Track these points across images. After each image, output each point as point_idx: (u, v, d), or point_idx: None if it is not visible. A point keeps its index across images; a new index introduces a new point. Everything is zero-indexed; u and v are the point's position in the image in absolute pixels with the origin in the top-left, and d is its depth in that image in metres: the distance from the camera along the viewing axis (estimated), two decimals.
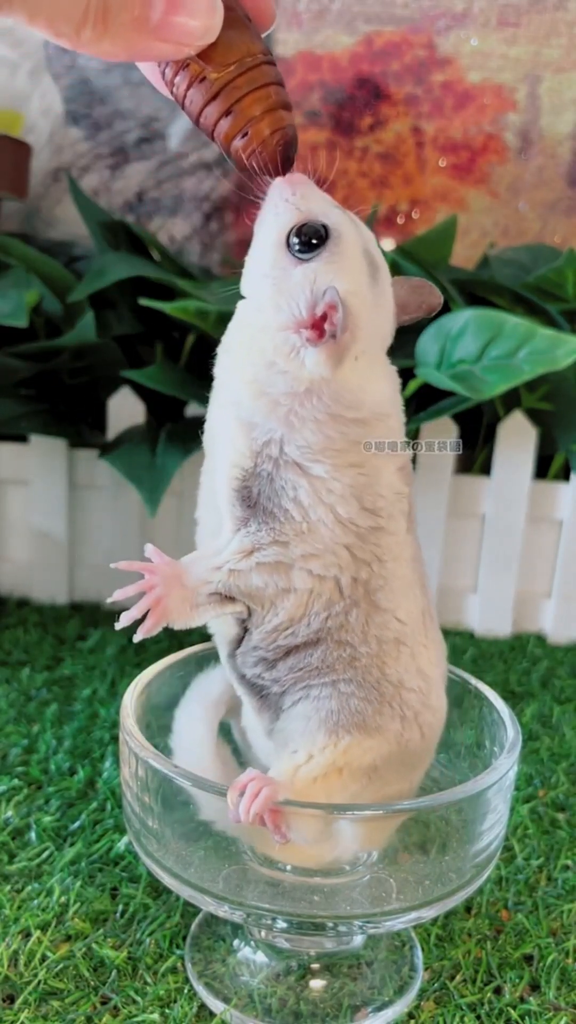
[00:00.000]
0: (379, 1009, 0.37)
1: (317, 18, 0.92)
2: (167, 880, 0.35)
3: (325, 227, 0.31)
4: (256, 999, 0.37)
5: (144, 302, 0.71)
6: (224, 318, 0.73)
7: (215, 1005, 0.37)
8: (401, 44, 0.92)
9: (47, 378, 0.80)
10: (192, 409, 0.78)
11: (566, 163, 0.93)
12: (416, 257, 0.78)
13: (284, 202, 0.31)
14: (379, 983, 0.39)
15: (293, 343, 0.31)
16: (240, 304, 0.34)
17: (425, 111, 0.93)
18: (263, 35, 0.30)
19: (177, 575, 0.33)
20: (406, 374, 0.76)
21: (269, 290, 0.32)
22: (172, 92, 0.30)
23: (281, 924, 0.33)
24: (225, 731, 0.41)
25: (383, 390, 0.34)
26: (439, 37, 0.91)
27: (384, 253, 0.84)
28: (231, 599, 0.33)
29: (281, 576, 0.33)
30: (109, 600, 0.32)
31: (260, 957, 0.39)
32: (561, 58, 0.90)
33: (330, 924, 0.33)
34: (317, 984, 0.38)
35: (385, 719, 0.33)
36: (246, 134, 0.29)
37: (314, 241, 0.31)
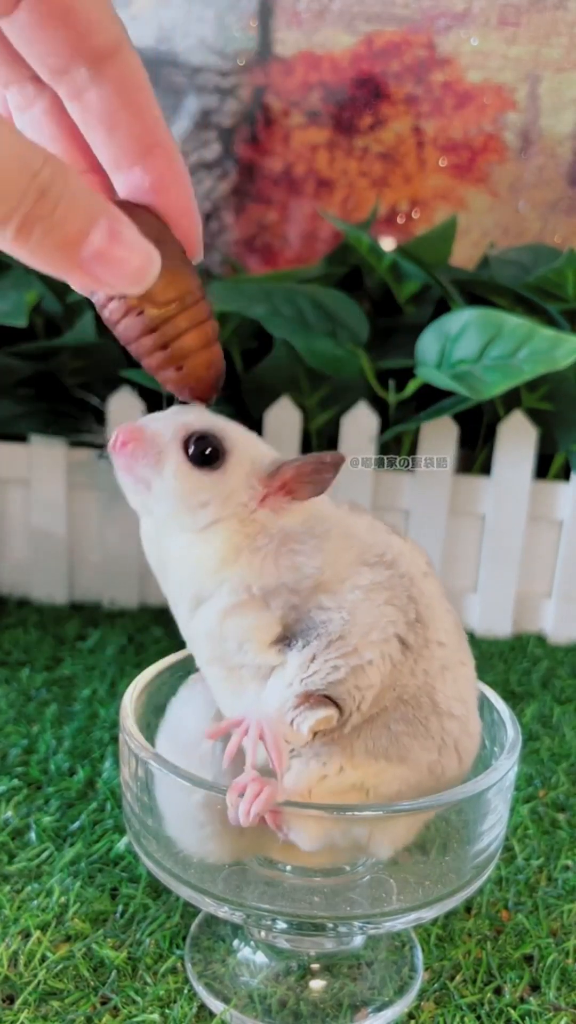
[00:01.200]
0: (379, 1009, 0.37)
1: (317, 18, 0.92)
2: (167, 881, 0.35)
3: (215, 438, 0.32)
4: (256, 999, 0.37)
5: None
6: (223, 318, 0.74)
7: (215, 1005, 0.37)
8: (401, 44, 0.91)
9: (47, 378, 0.80)
10: None
11: (566, 163, 0.93)
12: (416, 257, 0.78)
13: (153, 456, 0.32)
14: (379, 983, 0.39)
15: (259, 517, 0.32)
16: (177, 539, 0.33)
17: (425, 111, 0.93)
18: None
19: (266, 713, 0.32)
20: (406, 374, 0.77)
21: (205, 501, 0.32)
22: (99, 310, 0.29)
23: (281, 925, 0.33)
24: None
25: None
26: (439, 37, 0.91)
27: (384, 253, 0.84)
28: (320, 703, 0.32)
29: (350, 655, 0.32)
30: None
31: (260, 957, 0.39)
32: (561, 58, 0.90)
33: (330, 925, 0.33)
34: (317, 984, 0.38)
35: (424, 752, 0.33)
36: (180, 367, 0.30)
37: (209, 451, 0.32)
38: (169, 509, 0.32)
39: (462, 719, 0.34)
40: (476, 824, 0.34)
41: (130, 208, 0.26)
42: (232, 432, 0.33)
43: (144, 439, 0.32)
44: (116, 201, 0.27)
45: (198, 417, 0.32)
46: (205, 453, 0.32)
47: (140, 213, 0.27)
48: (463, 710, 0.34)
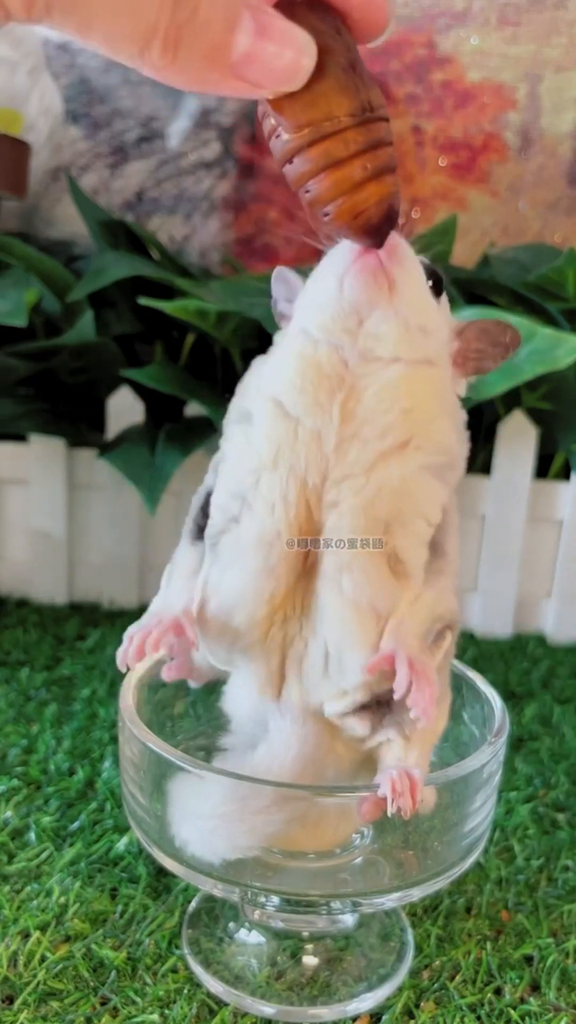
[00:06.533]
0: (371, 988, 0.38)
1: None
2: (167, 863, 0.35)
3: (435, 271, 0.33)
4: (252, 980, 0.38)
5: (143, 301, 0.70)
6: (223, 318, 0.74)
7: (213, 985, 0.37)
8: (401, 43, 0.91)
9: (46, 377, 0.80)
10: (192, 408, 0.78)
11: (566, 162, 0.93)
12: None
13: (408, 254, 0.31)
14: (372, 963, 0.39)
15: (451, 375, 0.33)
16: (390, 368, 0.30)
17: (425, 110, 0.93)
18: (370, 44, 0.26)
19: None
20: None
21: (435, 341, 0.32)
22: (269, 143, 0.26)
23: (275, 900, 0.33)
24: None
25: None
26: (439, 36, 0.91)
27: None
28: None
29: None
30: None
31: (255, 938, 0.40)
32: (561, 57, 0.90)
33: (322, 903, 0.33)
34: (311, 962, 0.39)
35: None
36: (326, 213, 0.26)
37: (433, 281, 0.32)
38: (402, 325, 0.30)
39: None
40: (465, 804, 0.34)
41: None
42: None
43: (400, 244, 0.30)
44: None
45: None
46: (431, 282, 0.32)
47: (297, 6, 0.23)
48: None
